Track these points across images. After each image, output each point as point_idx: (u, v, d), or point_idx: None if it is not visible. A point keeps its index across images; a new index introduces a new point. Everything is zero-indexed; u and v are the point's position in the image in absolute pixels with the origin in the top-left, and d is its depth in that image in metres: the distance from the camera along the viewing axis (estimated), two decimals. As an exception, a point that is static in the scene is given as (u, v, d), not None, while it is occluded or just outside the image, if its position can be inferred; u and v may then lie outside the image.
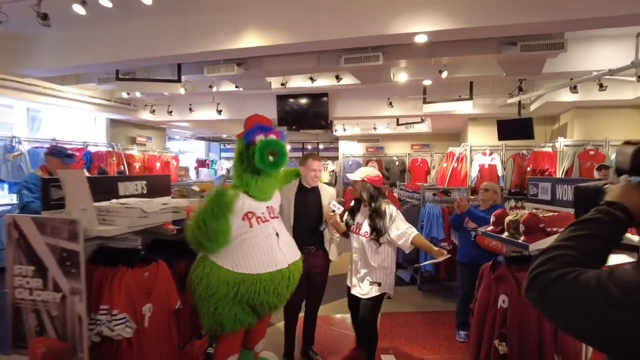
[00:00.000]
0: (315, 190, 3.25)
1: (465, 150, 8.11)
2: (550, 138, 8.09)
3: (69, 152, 4.01)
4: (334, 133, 11.81)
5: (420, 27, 3.99)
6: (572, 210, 2.48)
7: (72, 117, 8.36)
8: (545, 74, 5.51)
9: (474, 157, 7.99)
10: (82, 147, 7.56)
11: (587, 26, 4.07)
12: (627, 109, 6.70)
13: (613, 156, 6.04)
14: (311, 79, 6.46)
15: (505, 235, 2.58)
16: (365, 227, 3.05)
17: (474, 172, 7.82)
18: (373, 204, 3.06)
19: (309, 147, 14.68)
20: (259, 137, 2.52)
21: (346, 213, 3.27)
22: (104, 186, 2.85)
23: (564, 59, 5.12)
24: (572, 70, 5.43)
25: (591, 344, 0.83)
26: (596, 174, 5.40)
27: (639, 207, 0.88)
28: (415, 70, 5.99)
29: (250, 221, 2.53)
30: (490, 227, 2.84)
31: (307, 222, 3.18)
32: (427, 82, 6.35)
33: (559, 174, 6.52)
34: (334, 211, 3.13)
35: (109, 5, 3.53)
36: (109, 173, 7.47)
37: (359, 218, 3.18)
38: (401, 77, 5.90)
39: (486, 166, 7.74)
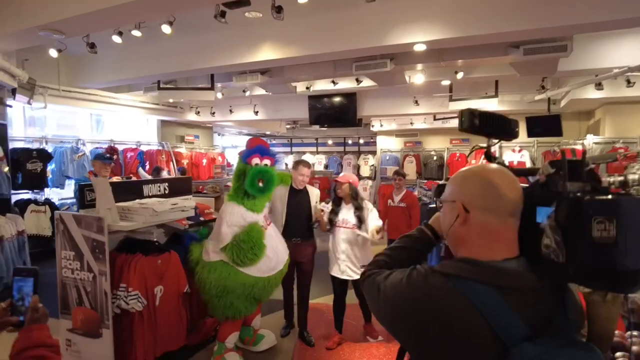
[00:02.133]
0: (304, 192, 3.76)
1: (495, 146, 8.06)
2: (585, 134, 7.83)
3: (107, 155, 4.77)
4: (372, 129, 12.04)
5: (417, 38, 4.24)
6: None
7: (128, 120, 9.38)
8: (570, 71, 5.46)
9: (503, 153, 7.94)
10: (135, 147, 8.52)
11: (589, 30, 4.10)
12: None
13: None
14: (333, 82, 6.84)
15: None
16: (352, 221, 3.61)
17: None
18: (358, 201, 3.65)
19: (350, 141, 15.02)
20: (255, 160, 3.05)
21: (328, 210, 3.72)
22: (131, 188, 3.48)
23: (587, 55, 5.08)
24: (596, 67, 5.33)
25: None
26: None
27: (440, 228, 1.18)
28: (432, 72, 6.17)
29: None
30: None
31: (296, 218, 3.68)
32: (445, 82, 6.49)
33: (586, 171, 6.37)
34: (323, 210, 3.62)
35: (139, 34, 4.17)
36: (163, 170, 8.36)
37: (343, 214, 3.68)
38: (417, 78, 6.11)
39: (515, 163, 7.68)
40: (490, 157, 1.39)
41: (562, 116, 7.13)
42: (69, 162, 7.13)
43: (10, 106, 5.34)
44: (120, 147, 8.13)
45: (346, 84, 6.86)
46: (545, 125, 7.12)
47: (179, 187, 3.99)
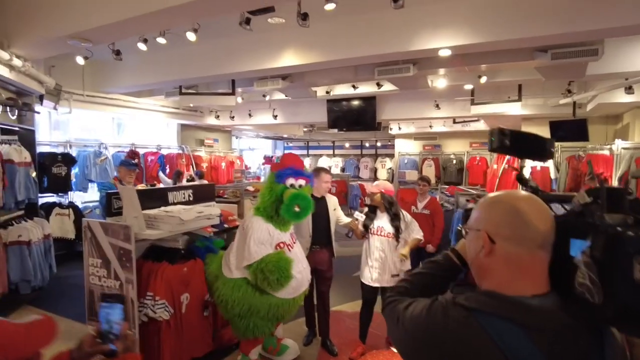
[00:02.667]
0: (323, 199, 3.72)
1: (517, 151, 7.90)
2: (612, 139, 7.60)
3: (132, 161, 4.83)
4: (390, 132, 11.96)
5: (442, 43, 4.18)
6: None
7: (149, 123, 9.51)
8: (598, 75, 5.31)
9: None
10: (156, 150, 8.62)
11: (620, 34, 3.98)
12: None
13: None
14: (353, 86, 6.81)
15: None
16: (388, 229, 3.58)
17: (526, 175, 7.60)
18: (392, 209, 3.60)
19: (367, 144, 14.94)
20: (290, 181, 2.96)
21: (362, 219, 3.70)
22: (156, 195, 3.50)
23: (617, 58, 4.94)
24: (626, 70, 5.17)
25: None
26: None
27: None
28: (455, 76, 6.09)
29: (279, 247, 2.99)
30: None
31: (317, 226, 3.66)
32: (468, 87, 6.39)
33: (615, 179, 6.20)
34: (357, 219, 3.61)
35: (164, 42, 4.21)
36: (183, 173, 8.44)
37: (378, 222, 3.63)
38: (440, 83, 6.03)
39: (538, 168, 7.51)
40: (522, 181, 1.32)
41: (588, 120, 6.99)
42: (92, 166, 7.24)
43: (38, 112, 5.45)
44: (141, 151, 8.23)
45: (367, 88, 6.82)
46: (570, 129, 7.00)
47: (203, 193, 4.01)
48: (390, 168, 13.90)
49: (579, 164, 7.10)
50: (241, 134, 14.56)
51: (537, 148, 1.31)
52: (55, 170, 6.55)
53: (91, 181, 7.28)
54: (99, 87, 6.76)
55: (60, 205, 6.63)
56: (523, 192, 1.01)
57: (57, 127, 8.09)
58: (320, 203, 3.72)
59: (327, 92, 7.02)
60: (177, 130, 9.81)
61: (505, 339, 0.84)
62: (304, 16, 3.44)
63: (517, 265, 0.92)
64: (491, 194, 1.06)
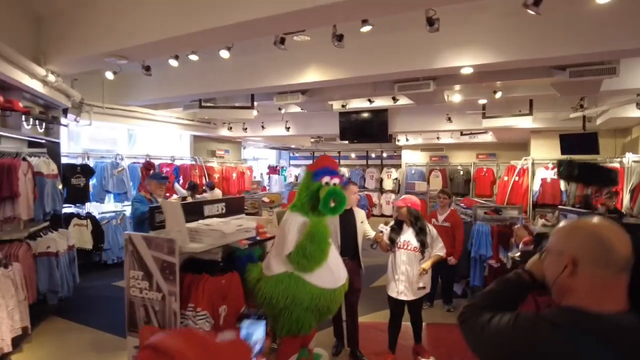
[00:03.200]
0: (352, 212, 3.83)
1: (527, 163, 8.04)
2: (621, 152, 7.75)
3: (163, 175, 4.93)
4: (397, 143, 12.09)
5: (465, 61, 4.32)
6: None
7: (161, 135, 9.62)
8: (608, 91, 5.45)
9: (536, 170, 7.91)
10: (171, 162, 8.71)
11: (635, 55, 4.12)
12: None
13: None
14: (369, 100, 6.94)
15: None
16: (414, 243, 3.69)
17: (536, 186, 7.75)
18: (418, 224, 3.71)
19: (373, 155, 15.06)
20: (325, 179, 3.12)
21: (387, 232, 3.79)
22: (193, 209, 3.59)
23: (628, 75, 5.07)
24: (638, 86, 5.32)
25: None
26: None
27: (540, 275, 1.22)
28: (470, 92, 6.23)
29: None
30: (518, 253, 3.14)
31: (345, 237, 3.76)
32: (482, 102, 6.53)
33: (626, 191, 6.32)
34: (382, 232, 3.68)
35: (196, 58, 4.34)
36: (198, 185, 8.52)
37: (404, 236, 3.72)
38: (455, 98, 6.17)
39: (548, 180, 7.64)
40: (589, 205, 1.43)
41: (598, 134, 7.13)
42: (109, 177, 7.33)
43: (66, 125, 5.56)
44: (155, 162, 8.32)
45: (382, 102, 6.96)
46: (580, 142, 7.14)
47: (234, 206, 4.10)
48: (396, 178, 14.00)
49: (589, 176, 7.22)
50: (247, 144, 14.69)
51: (602, 177, 1.42)
52: (74, 181, 6.64)
53: (108, 192, 7.37)
54: (118, 100, 6.89)
55: (78, 215, 6.70)
56: (599, 218, 1.09)
57: (70, 138, 8.19)
58: (349, 215, 3.83)
59: (343, 106, 7.15)
60: (190, 142, 9.92)
61: (589, 353, 0.92)
62: (340, 37, 3.56)
63: (601, 286, 1.01)
64: (571, 221, 1.16)
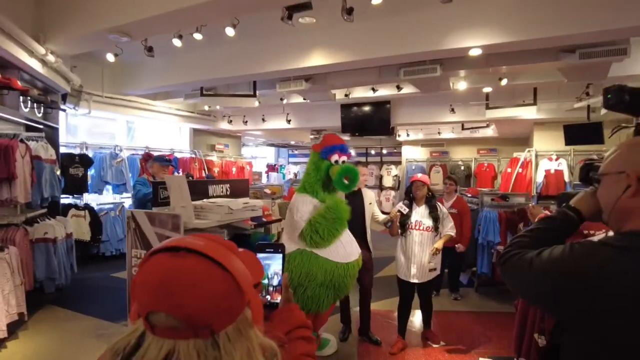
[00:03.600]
0: (359, 194, 3.75)
1: (531, 155, 7.98)
2: (625, 142, 7.69)
3: (166, 157, 4.82)
4: (397, 138, 12.02)
5: (474, 42, 4.23)
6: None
7: (161, 127, 9.49)
8: (615, 77, 5.39)
9: (539, 162, 7.84)
10: (170, 153, 8.59)
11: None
12: None
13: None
14: (373, 89, 6.86)
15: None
16: (427, 223, 3.64)
17: (540, 178, 7.69)
18: (432, 201, 3.72)
19: (372, 152, 14.98)
20: (334, 157, 3.04)
21: (406, 211, 3.71)
22: (198, 188, 3.48)
23: (636, 60, 5.00)
24: (644, 72, 5.28)
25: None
26: None
27: (587, 210, 1.17)
28: (475, 79, 6.15)
29: None
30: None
31: (354, 221, 3.65)
32: (487, 90, 6.46)
33: (632, 180, 6.25)
34: (400, 211, 3.62)
35: (200, 37, 4.23)
36: (194, 177, 8.42)
37: (416, 216, 3.64)
38: (460, 85, 6.10)
39: (552, 172, 7.57)
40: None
41: (602, 123, 7.06)
42: (107, 168, 7.20)
43: (64, 110, 5.44)
44: (155, 154, 8.18)
45: (386, 90, 6.87)
46: (585, 133, 7.06)
47: (239, 188, 4.01)
48: (396, 175, 13.92)
49: (593, 167, 7.16)
50: (248, 142, 14.57)
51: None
52: (72, 171, 6.50)
53: (107, 183, 7.24)
54: (118, 89, 6.77)
55: (76, 206, 6.56)
56: None
57: (68, 131, 8.05)
58: (357, 196, 3.75)
59: (346, 95, 7.06)
60: (190, 135, 9.80)
61: None
62: (349, 11, 3.47)
63: None
64: (624, 142, 1.08)
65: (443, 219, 3.68)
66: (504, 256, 1.16)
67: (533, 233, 1.18)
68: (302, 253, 2.95)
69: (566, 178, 7.45)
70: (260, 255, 1.08)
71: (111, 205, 7.38)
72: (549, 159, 7.71)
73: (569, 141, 7.31)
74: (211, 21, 3.93)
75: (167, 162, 4.78)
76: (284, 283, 1.08)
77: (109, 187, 7.46)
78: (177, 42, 4.33)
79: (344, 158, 3.08)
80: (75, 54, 4.74)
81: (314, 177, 3.10)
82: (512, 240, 1.19)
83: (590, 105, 6.69)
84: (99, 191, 7.26)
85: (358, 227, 3.74)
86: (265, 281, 1.07)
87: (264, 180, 13.02)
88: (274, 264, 1.09)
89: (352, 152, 14.41)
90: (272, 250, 1.11)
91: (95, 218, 6.71)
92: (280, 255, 1.10)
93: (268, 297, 1.07)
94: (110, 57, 4.87)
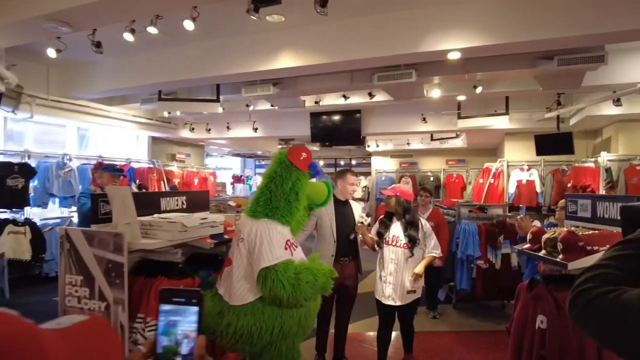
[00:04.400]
0: (348, 204, 3.38)
1: (502, 165, 7.91)
2: (592, 153, 7.76)
3: (118, 167, 4.29)
4: (367, 149, 11.84)
5: (452, 44, 4.01)
6: (614, 229, 2.40)
7: (117, 135, 8.84)
8: (586, 87, 5.35)
9: (511, 172, 7.77)
10: (125, 163, 7.94)
11: (630, 38, 3.96)
12: (676, 122, 6.39)
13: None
14: (344, 96, 6.57)
15: (542, 253, 2.51)
16: (403, 239, 3.20)
17: (512, 188, 7.60)
18: (407, 216, 3.24)
19: (342, 162, 14.76)
20: (318, 177, 2.54)
21: (376, 227, 3.35)
22: (147, 201, 3.01)
23: (605, 71, 4.94)
24: (615, 82, 5.25)
25: None
26: None
27: None
28: (449, 86, 5.98)
29: (291, 249, 2.36)
30: (527, 245, 2.78)
31: (343, 233, 3.28)
32: (461, 98, 6.31)
33: (602, 190, 6.24)
34: (362, 222, 3.28)
35: (155, 32, 3.77)
36: (149, 189, 7.81)
37: (394, 231, 3.27)
38: (434, 93, 5.90)
39: (524, 182, 7.50)
40: None
41: (572, 134, 7.09)
42: (54, 179, 6.51)
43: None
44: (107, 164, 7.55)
45: (358, 98, 6.59)
46: (555, 143, 7.06)
47: (198, 201, 3.54)
48: (365, 186, 13.71)
49: (563, 177, 7.15)
50: (212, 151, 13.99)
51: None
52: (10, 182, 5.80)
53: (53, 195, 6.53)
54: (66, 92, 6.13)
55: (14, 222, 5.84)
56: None
57: (10, 138, 7.30)
58: (345, 207, 3.39)
59: (316, 102, 6.73)
60: (148, 144, 9.18)
61: None
62: (323, 2, 3.12)
63: None
64: None
65: (425, 237, 3.29)
66: (582, 296, 0.84)
67: (621, 263, 0.86)
68: (271, 304, 2.22)
69: (538, 189, 7.40)
70: (164, 308, 0.70)
71: (58, 220, 6.66)
72: (521, 169, 7.65)
73: (540, 151, 7.29)
74: (166, 10, 3.49)
75: (119, 171, 4.25)
76: (198, 352, 0.69)
77: (56, 200, 6.76)
78: (128, 37, 3.84)
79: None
80: (8, 46, 4.16)
81: (277, 192, 2.36)
82: (589, 274, 0.87)
83: (560, 115, 6.69)
84: (43, 204, 6.54)
85: (347, 243, 3.36)
86: (169, 345, 0.72)
87: (229, 191, 12.45)
88: (184, 322, 0.72)
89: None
90: (183, 300, 0.73)
91: (37, 234, 6.01)
92: (196, 309, 0.72)
93: None
94: (51, 53, 4.30)
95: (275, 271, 2.14)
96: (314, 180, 2.52)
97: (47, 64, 5.79)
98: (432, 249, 3.31)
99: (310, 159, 2.47)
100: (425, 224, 3.36)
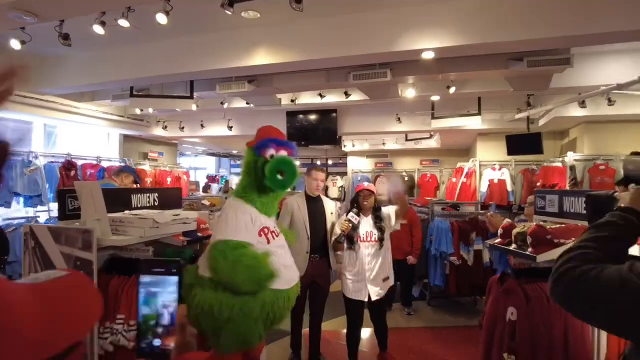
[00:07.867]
0: (320, 200, 3.39)
1: (475, 165, 8.09)
2: (560, 153, 8.04)
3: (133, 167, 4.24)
4: (343, 149, 11.89)
5: (427, 44, 4.07)
6: (579, 223, 2.49)
7: (86, 133, 8.57)
8: (553, 88, 5.55)
9: (483, 172, 7.96)
10: (96, 163, 7.69)
11: (594, 41, 4.12)
12: (637, 123, 6.67)
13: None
14: (320, 95, 6.57)
15: (512, 247, 2.58)
16: (376, 233, 3.31)
17: (484, 187, 7.78)
18: (379, 212, 3.40)
19: (318, 162, 14.76)
20: (270, 152, 2.47)
21: (357, 221, 3.36)
22: (118, 198, 2.92)
23: (572, 74, 5.14)
24: (580, 85, 5.46)
25: (620, 334, 0.92)
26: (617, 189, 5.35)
27: None
28: (424, 86, 6.07)
29: (267, 237, 2.19)
30: (498, 240, 2.84)
31: (315, 231, 3.28)
32: (435, 98, 6.42)
33: (567, 187, 6.47)
34: (350, 221, 3.23)
35: (127, 25, 3.67)
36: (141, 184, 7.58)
37: (366, 227, 3.33)
38: (409, 92, 5.98)
39: (495, 181, 7.70)
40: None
41: (542, 134, 7.32)
42: (18, 177, 6.24)
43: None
44: (78, 162, 7.29)
45: (333, 97, 6.61)
46: (526, 143, 7.27)
47: (170, 198, 3.46)
48: (341, 186, 13.76)
49: (533, 176, 7.38)
50: (186, 150, 13.74)
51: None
52: (-30, 181, 5.53)
53: (17, 194, 6.27)
54: (33, 87, 5.86)
55: (-25, 222, 5.58)
56: None
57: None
58: (317, 203, 3.40)
59: (292, 101, 6.71)
60: (119, 142, 8.93)
61: None
62: (298, -1, 3.11)
63: None
64: None
65: (390, 218, 3.38)
66: (567, 274, 0.88)
67: (598, 244, 0.92)
68: None
69: (509, 187, 7.61)
70: (144, 280, 0.69)
71: (22, 220, 6.38)
72: (492, 168, 7.84)
73: (510, 151, 7.48)
74: (138, 2, 3.40)
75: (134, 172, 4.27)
76: (178, 320, 0.75)
77: (20, 199, 6.48)
78: (99, 30, 3.72)
79: (283, 152, 2.53)
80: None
81: (248, 179, 2.50)
82: (570, 255, 0.92)
83: (530, 116, 6.89)
84: (6, 204, 6.26)
85: (320, 238, 3.37)
86: (152, 321, 0.73)
87: (202, 192, 12.25)
88: (164, 292, 0.70)
89: (294, 147, 13.88)
90: (162, 270, 0.72)
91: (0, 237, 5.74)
92: (175, 279, 0.71)
93: (156, 342, 0.75)
94: (15, 44, 4.11)
95: (224, 243, 2.09)
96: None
97: (10, 57, 5.55)
98: (396, 225, 3.42)
99: (258, 136, 2.42)
100: (384, 210, 3.44)
